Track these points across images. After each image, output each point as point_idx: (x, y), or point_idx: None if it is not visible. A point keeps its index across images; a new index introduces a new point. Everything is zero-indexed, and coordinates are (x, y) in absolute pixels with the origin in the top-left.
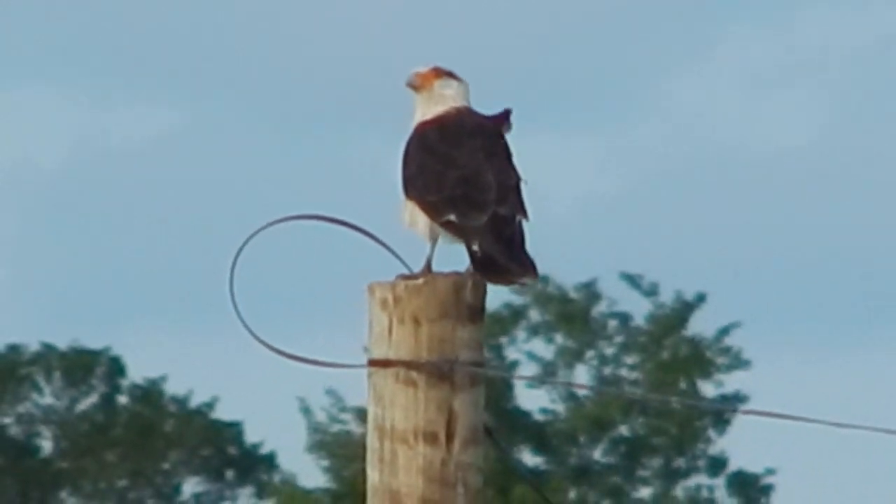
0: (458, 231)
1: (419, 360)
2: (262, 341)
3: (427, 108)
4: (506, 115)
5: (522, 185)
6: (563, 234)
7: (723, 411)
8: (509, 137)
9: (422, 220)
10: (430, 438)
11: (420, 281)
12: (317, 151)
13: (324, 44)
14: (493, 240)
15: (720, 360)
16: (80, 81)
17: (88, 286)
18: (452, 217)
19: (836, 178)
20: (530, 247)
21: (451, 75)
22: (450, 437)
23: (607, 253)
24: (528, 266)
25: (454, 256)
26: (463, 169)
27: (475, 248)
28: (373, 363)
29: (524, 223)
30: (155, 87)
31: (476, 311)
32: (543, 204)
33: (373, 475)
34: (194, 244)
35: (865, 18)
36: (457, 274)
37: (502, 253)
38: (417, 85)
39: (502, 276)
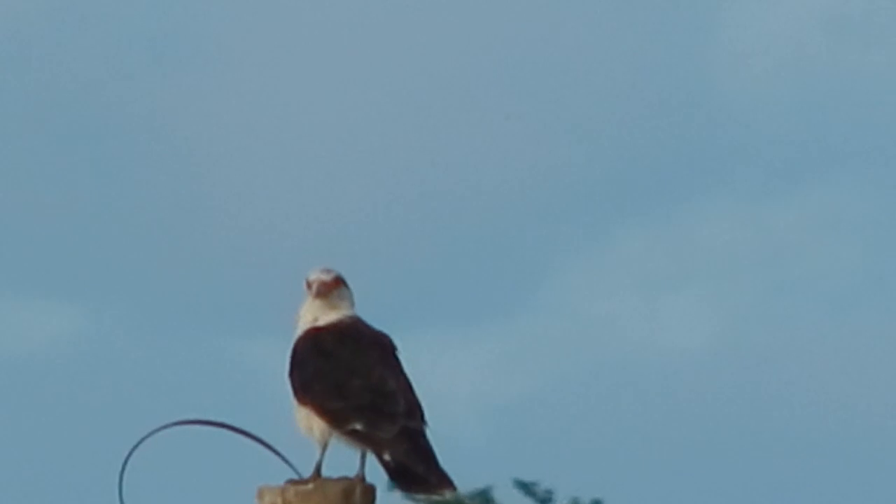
0: (366, 440)
1: None
2: None
3: (321, 313)
4: (388, 340)
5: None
6: (453, 439)
7: None
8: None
9: (318, 427)
10: None
11: (310, 486)
12: (201, 356)
13: (205, 253)
14: (410, 451)
15: None
16: None
17: None
18: (359, 426)
19: (730, 382)
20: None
21: (345, 284)
22: None
23: (501, 458)
24: (445, 478)
25: (343, 461)
26: (367, 378)
27: (387, 457)
28: None
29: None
30: (40, 291)
31: None
32: (434, 409)
33: None
34: (81, 454)
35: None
36: (346, 479)
37: (421, 465)
38: (323, 293)
39: (419, 487)
